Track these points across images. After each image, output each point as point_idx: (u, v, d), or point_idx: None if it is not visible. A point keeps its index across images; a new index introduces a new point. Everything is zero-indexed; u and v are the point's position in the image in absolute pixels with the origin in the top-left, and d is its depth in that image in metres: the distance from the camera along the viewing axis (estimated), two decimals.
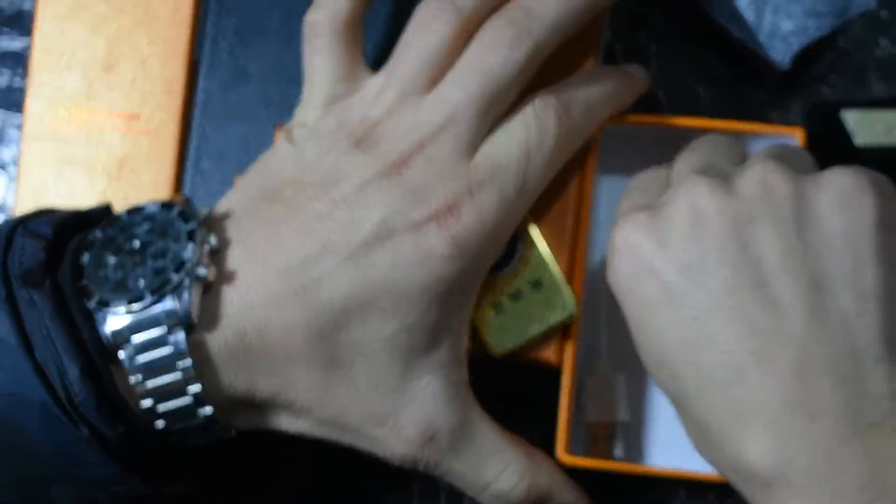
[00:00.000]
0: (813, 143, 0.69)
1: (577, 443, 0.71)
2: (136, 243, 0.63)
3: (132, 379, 0.60)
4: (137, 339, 0.60)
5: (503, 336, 0.69)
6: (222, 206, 0.65)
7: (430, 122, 0.64)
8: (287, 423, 0.64)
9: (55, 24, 0.75)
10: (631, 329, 0.63)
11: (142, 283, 0.61)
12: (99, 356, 0.59)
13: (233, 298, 0.62)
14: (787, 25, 0.71)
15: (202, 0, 0.75)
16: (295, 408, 0.63)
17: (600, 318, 0.72)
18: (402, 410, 0.64)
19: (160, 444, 0.62)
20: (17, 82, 0.78)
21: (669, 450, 0.71)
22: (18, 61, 0.78)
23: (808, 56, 0.72)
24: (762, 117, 0.73)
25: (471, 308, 0.66)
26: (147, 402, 0.60)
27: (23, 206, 0.73)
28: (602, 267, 0.72)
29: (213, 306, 0.62)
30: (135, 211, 0.64)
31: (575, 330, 0.70)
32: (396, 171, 0.63)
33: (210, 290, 0.62)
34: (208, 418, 0.62)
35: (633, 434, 0.71)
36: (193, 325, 0.61)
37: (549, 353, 0.70)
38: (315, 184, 0.64)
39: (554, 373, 0.71)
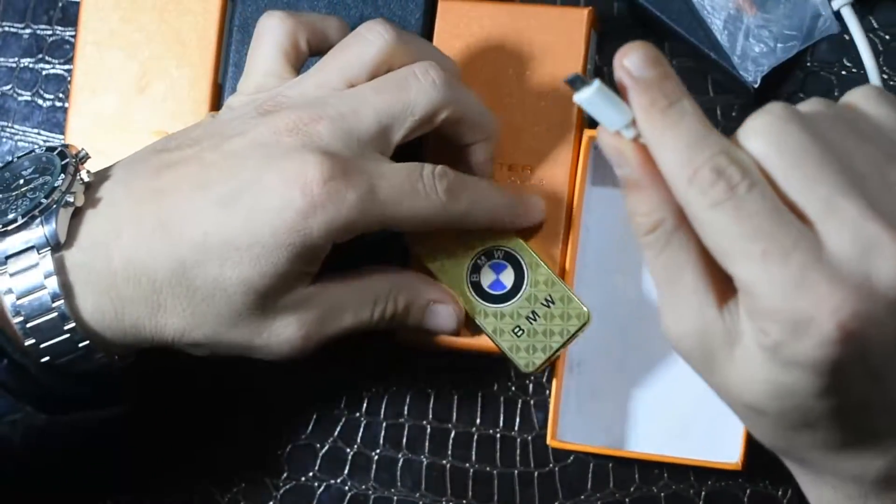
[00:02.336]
0: None
1: (568, 429, 0.77)
2: (21, 181, 0.69)
3: (6, 301, 0.66)
4: (10, 261, 0.66)
5: (531, 355, 0.73)
6: (126, 156, 0.71)
7: (334, 105, 0.68)
8: (162, 342, 0.69)
9: (94, 50, 0.81)
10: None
11: (16, 210, 0.67)
12: None
13: (102, 225, 0.67)
14: (757, 48, 0.76)
15: (226, 29, 0.81)
16: (166, 331, 0.68)
17: (594, 318, 0.77)
18: (268, 337, 0.69)
19: (45, 373, 0.67)
20: (59, 103, 0.84)
21: (650, 437, 0.76)
22: (60, 85, 0.84)
23: (778, 76, 0.77)
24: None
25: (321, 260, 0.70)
26: (17, 319, 0.66)
27: None
28: (592, 270, 0.77)
29: (82, 231, 0.67)
30: (24, 155, 0.71)
31: None
32: (288, 133, 0.68)
33: (80, 216, 0.67)
34: (84, 344, 0.67)
35: (618, 422, 0.77)
36: (60, 245, 0.66)
37: None
38: (213, 139, 0.69)
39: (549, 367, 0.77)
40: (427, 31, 0.79)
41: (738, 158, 0.54)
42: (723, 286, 0.56)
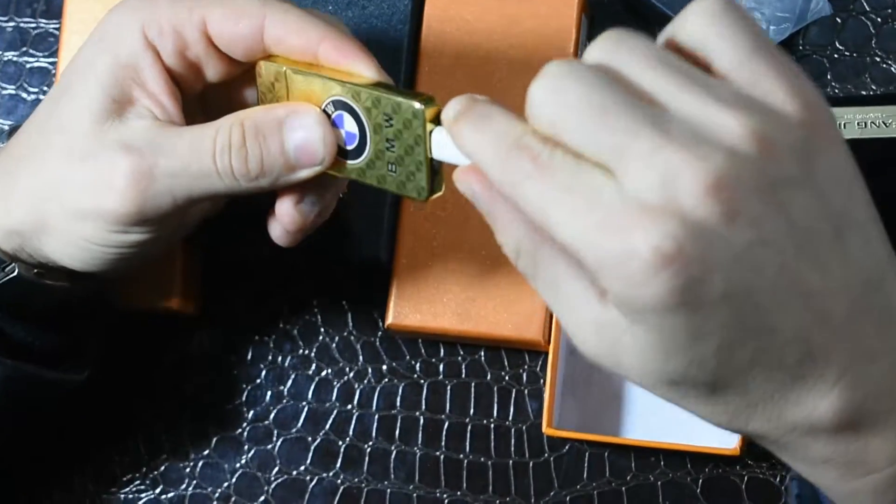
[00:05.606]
0: None
1: (563, 417, 0.76)
2: None
3: None
4: None
5: (416, 181, 0.64)
6: None
7: None
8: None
9: (79, 42, 0.80)
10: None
11: None
12: None
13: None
14: None
15: None
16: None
17: None
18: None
19: None
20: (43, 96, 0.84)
21: (647, 424, 0.76)
22: (45, 78, 0.84)
23: None
24: None
25: None
26: None
27: None
28: None
29: None
30: None
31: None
32: None
33: None
34: None
35: (613, 410, 0.77)
36: None
37: (537, 337, 0.75)
38: None
39: (543, 354, 0.78)
40: (416, 18, 0.78)
41: (537, 132, 0.53)
42: None
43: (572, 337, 0.55)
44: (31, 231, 0.68)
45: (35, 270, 0.69)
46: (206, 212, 0.71)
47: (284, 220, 0.67)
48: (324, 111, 0.65)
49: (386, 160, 0.64)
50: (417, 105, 0.61)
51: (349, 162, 0.65)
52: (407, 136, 0.62)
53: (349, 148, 0.65)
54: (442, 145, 0.61)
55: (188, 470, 0.80)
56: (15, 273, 0.69)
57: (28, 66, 0.84)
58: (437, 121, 0.62)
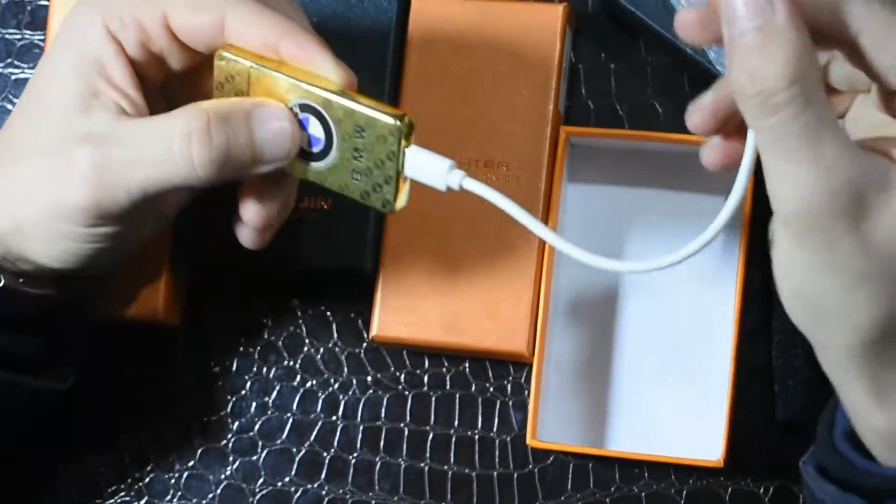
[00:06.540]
0: None
1: (547, 429, 0.76)
2: None
3: None
4: None
5: (382, 193, 0.64)
6: None
7: None
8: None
9: None
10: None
11: None
12: None
13: None
14: None
15: None
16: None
17: (572, 316, 0.78)
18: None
19: None
20: None
21: (631, 435, 0.76)
22: None
23: None
24: None
25: None
26: None
27: None
28: (570, 268, 0.77)
29: None
30: None
31: (544, 326, 0.75)
32: None
33: None
34: None
35: (598, 421, 0.77)
36: None
37: (521, 348, 0.75)
38: None
39: (527, 365, 0.78)
40: (401, 29, 0.78)
41: None
42: None
43: (809, 190, 0.54)
44: (10, 234, 0.68)
45: (20, 280, 0.69)
46: (180, 205, 0.71)
47: (251, 219, 0.68)
48: (290, 109, 0.65)
49: (351, 168, 0.64)
50: (393, 122, 0.62)
51: (311, 164, 0.65)
52: (379, 150, 0.63)
53: (313, 150, 0.65)
54: (416, 164, 0.62)
55: (173, 481, 0.80)
56: (1, 283, 0.69)
57: (13, 77, 0.84)
58: (410, 137, 0.62)
